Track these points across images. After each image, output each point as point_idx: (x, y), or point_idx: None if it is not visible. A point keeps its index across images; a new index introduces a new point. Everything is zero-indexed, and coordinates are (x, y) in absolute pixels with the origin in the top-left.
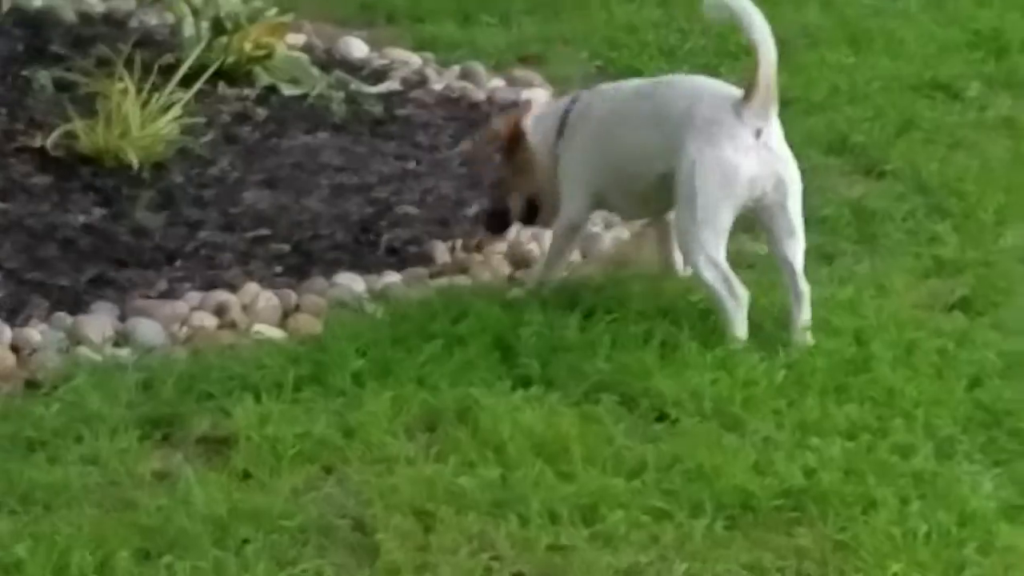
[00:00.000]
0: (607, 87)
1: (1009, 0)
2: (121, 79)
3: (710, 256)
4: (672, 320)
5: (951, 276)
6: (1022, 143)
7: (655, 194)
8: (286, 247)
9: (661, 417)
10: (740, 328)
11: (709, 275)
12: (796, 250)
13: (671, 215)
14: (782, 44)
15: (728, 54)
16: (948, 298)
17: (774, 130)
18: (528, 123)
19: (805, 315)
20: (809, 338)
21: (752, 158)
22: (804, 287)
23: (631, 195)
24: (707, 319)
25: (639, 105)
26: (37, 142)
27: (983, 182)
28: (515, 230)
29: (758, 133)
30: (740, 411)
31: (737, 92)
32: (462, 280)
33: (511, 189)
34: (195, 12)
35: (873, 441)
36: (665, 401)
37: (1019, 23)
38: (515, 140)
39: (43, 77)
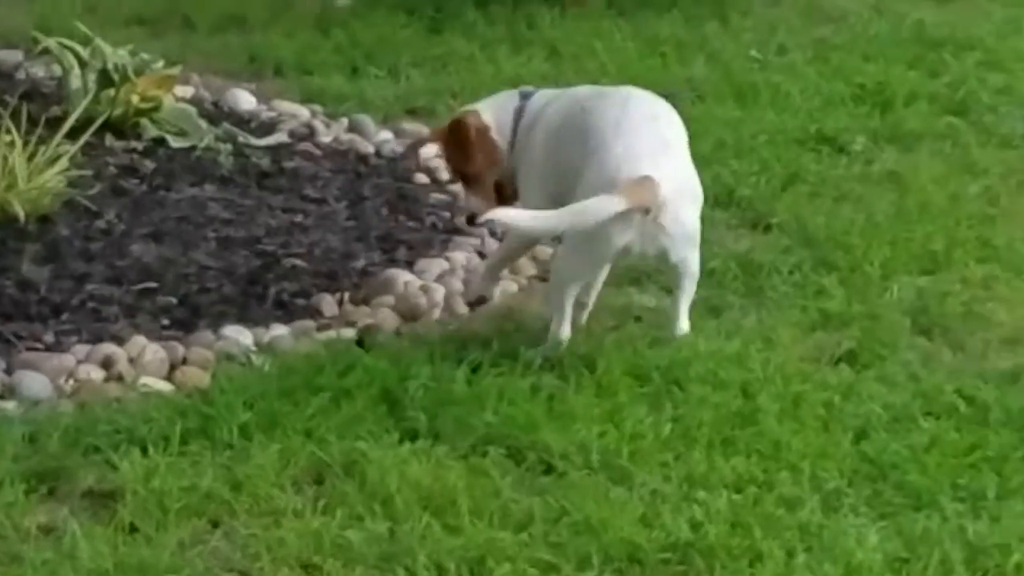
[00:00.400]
0: (563, 92)
1: (893, 55)
2: (8, 132)
3: (564, 294)
4: (559, 374)
5: (837, 329)
6: (907, 197)
7: None
8: (173, 300)
9: (548, 470)
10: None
11: (555, 316)
12: None
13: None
14: (668, 98)
15: None
16: (834, 351)
17: None
18: (487, 117)
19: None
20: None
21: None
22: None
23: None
24: (594, 372)
25: (581, 116)
26: None
27: (869, 235)
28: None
29: None
30: (627, 464)
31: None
32: (349, 333)
33: (485, 179)
34: (82, 64)
35: (759, 494)
36: (552, 454)
37: (904, 77)
38: (482, 134)
39: None
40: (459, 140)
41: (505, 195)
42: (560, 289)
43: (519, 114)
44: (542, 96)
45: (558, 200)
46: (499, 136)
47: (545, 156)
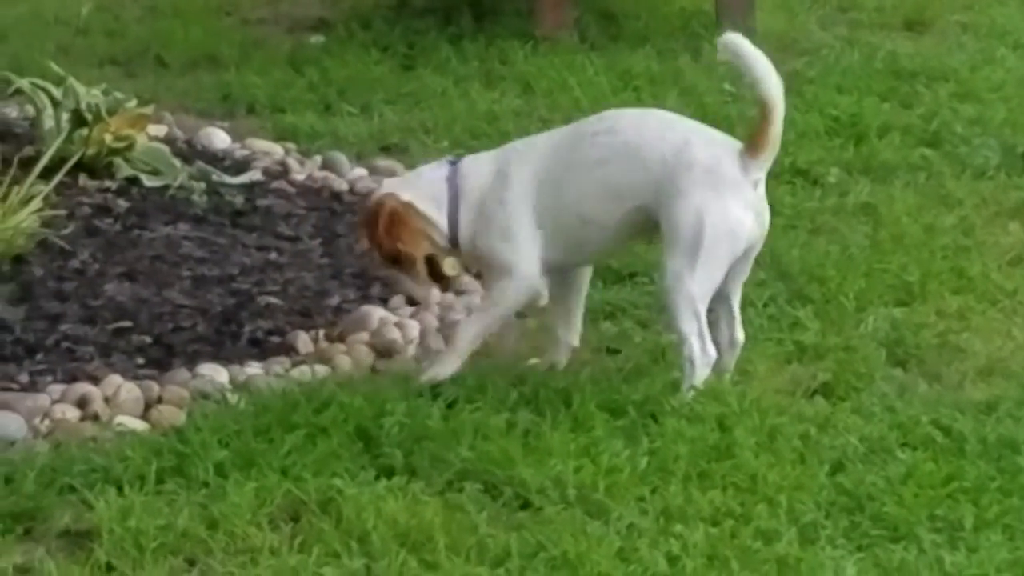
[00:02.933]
0: (523, 144)
1: (867, 87)
2: None
3: (698, 313)
4: (534, 408)
5: (813, 361)
6: (881, 229)
7: (622, 230)
8: (148, 339)
9: (525, 505)
10: (689, 385)
11: (692, 337)
12: (739, 296)
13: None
14: None
15: None
16: (810, 383)
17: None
18: (407, 195)
19: (730, 364)
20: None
21: (751, 213)
22: (740, 335)
23: (578, 242)
24: (570, 407)
25: (600, 142)
26: None
27: (843, 267)
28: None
29: (755, 184)
30: (604, 498)
31: (727, 140)
32: (324, 370)
33: (414, 260)
34: (55, 104)
35: (736, 527)
36: (529, 489)
37: (877, 109)
38: (404, 216)
39: None
40: (380, 225)
41: (437, 270)
42: (695, 307)
43: (453, 180)
44: (477, 159)
45: (564, 234)
46: (431, 209)
47: (538, 202)
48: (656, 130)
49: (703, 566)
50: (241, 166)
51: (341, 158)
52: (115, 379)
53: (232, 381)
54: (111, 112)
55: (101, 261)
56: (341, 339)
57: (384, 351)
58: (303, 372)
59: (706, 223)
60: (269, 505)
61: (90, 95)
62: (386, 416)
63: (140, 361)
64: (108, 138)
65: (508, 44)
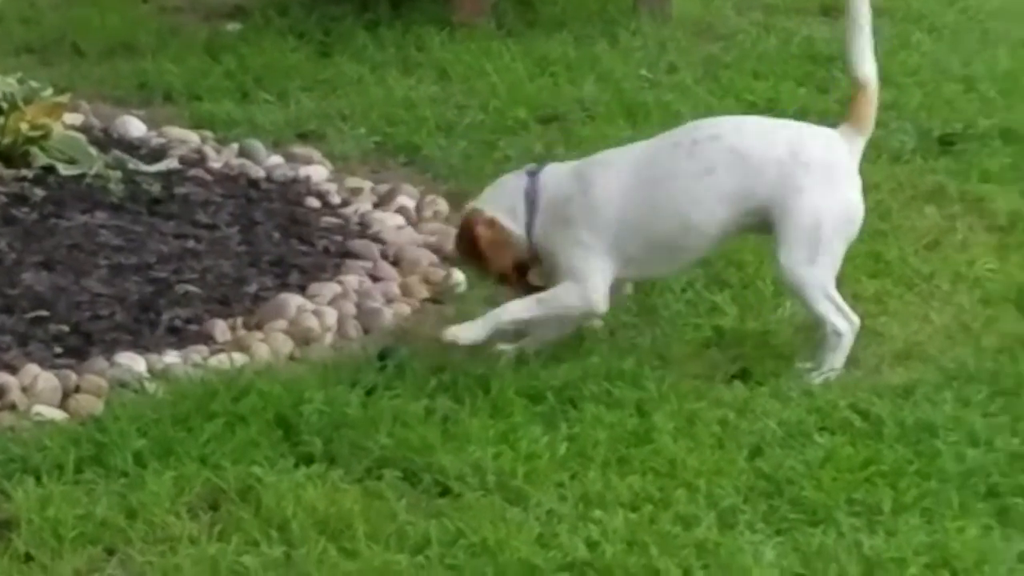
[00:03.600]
0: (606, 157)
1: (783, 72)
2: None
3: (830, 295)
4: (453, 395)
5: (731, 346)
6: None
7: (722, 235)
8: (65, 328)
9: (444, 492)
10: (842, 359)
11: (831, 314)
12: None
13: None
14: (560, 119)
15: (506, 129)
16: (728, 368)
17: None
18: (491, 211)
19: None
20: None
21: (861, 194)
22: None
23: (672, 252)
24: (488, 393)
25: (704, 151)
26: None
27: (761, 252)
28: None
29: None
30: (523, 484)
31: (826, 130)
32: (243, 358)
33: (510, 273)
34: None
35: (656, 512)
36: (448, 475)
37: (794, 94)
38: (489, 233)
39: None
40: (471, 248)
41: (527, 275)
42: (826, 291)
43: (531, 193)
44: (557, 169)
45: (658, 245)
46: (511, 222)
47: (625, 216)
48: (760, 133)
49: (622, 551)
50: (158, 154)
51: (258, 146)
52: (32, 368)
53: (150, 370)
54: (27, 101)
55: (18, 250)
56: (259, 327)
57: (302, 339)
58: (221, 360)
59: (826, 217)
60: (188, 494)
61: (5, 84)
62: (305, 404)
63: (58, 350)
64: (24, 127)
65: (425, 31)
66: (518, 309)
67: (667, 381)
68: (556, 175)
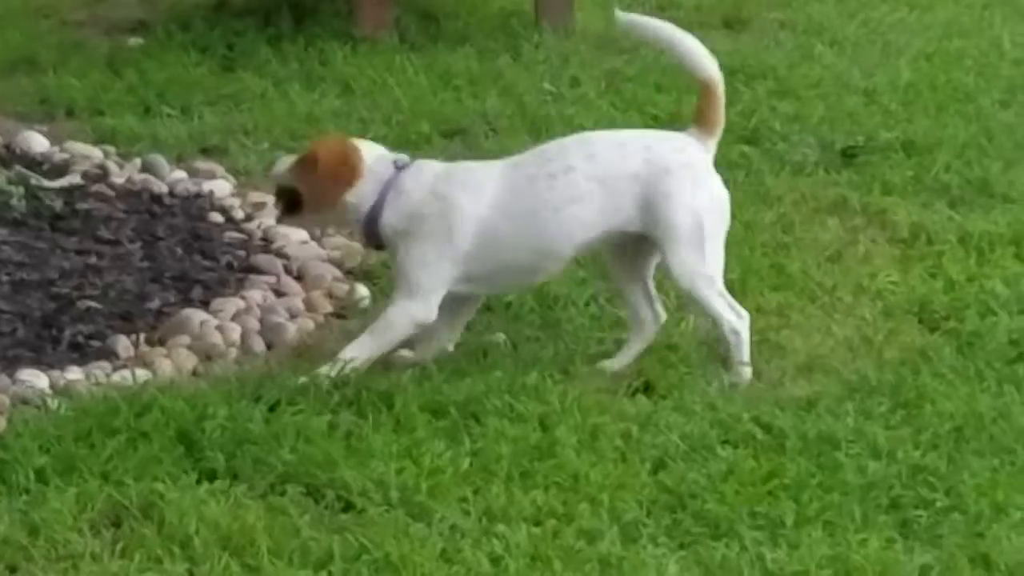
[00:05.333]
0: (468, 177)
1: (686, 85)
2: None
3: (721, 292)
4: (356, 410)
5: (634, 360)
6: None
7: (581, 253)
8: None
9: (347, 507)
10: (746, 353)
11: (726, 312)
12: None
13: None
14: (463, 133)
15: (410, 143)
16: (632, 382)
17: None
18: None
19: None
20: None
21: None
22: (663, 312)
23: (522, 274)
24: (392, 408)
25: (562, 183)
26: None
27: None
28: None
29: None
30: (426, 499)
31: (676, 135)
32: (145, 374)
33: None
34: None
35: (559, 526)
36: (351, 491)
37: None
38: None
39: None
40: (311, 162)
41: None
42: (716, 287)
43: (389, 188)
44: (421, 171)
45: (511, 267)
46: (358, 194)
47: (480, 241)
48: (611, 153)
49: (526, 566)
50: (60, 169)
51: (161, 161)
52: None
53: (52, 386)
54: None
55: None
56: (162, 343)
57: (205, 354)
58: (124, 376)
59: (702, 213)
60: (90, 511)
61: None
62: (208, 419)
63: None
64: None
65: (328, 45)
66: (360, 351)
67: (570, 395)
68: (419, 183)
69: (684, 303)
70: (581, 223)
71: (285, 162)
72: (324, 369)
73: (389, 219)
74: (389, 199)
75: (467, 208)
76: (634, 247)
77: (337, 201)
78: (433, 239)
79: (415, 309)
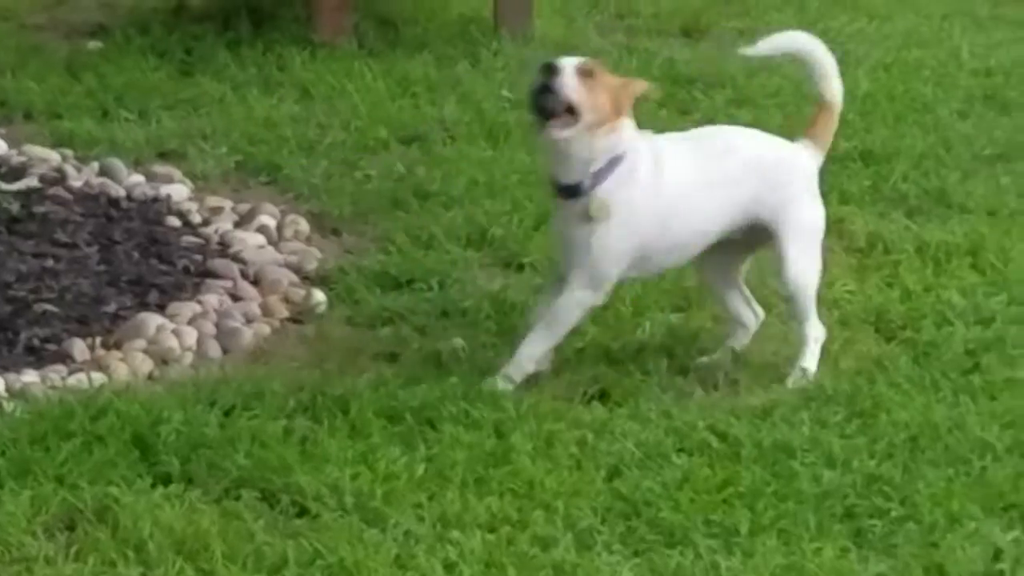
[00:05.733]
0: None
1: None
2: None
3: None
4: (312, 415)
5: (590, 367)
6: None
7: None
8: None
9: (302, 512)
10: (815, 361)
11: (815, 319)
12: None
13: None
14: (421, 139)
15: (368, 148)
16: (587, 389)
17: None
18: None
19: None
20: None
21: None
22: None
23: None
24: (347, 414)
25: (729, 162)
26: None
27: None
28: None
29: None
30: (381, 505)
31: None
32: (101, 378)
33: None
34: None
35: (513, 533)
36: (306, 496)
37: (654, 116)
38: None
39: None
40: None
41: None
42: (814, 291)
43: (622, 160)
44: (639, 155)
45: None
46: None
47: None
48: (760, 143)
49: (480, 573)
50: (18, 172)
51: (119, 164)
52: None
53: (8, 389)
54: None
55: None
56: (118, 346)
57: (161, 358)
58: (80, 380)
59: (819, 220)
60: (45, 514)
61: None
62: (163, 424)
63: None
64: None
65: (286, 50)
66: (537, 343)
67: (526, 402)
68: (637, 168)
69: (640, 309)
70: (734, 205)
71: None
72: (505, 371)
73: (610, 190)
74: (620, 170)
75: (667, 189)
76: (731, 250)
77: (615, 120)
78: (629, 227)
79: (592, 297)
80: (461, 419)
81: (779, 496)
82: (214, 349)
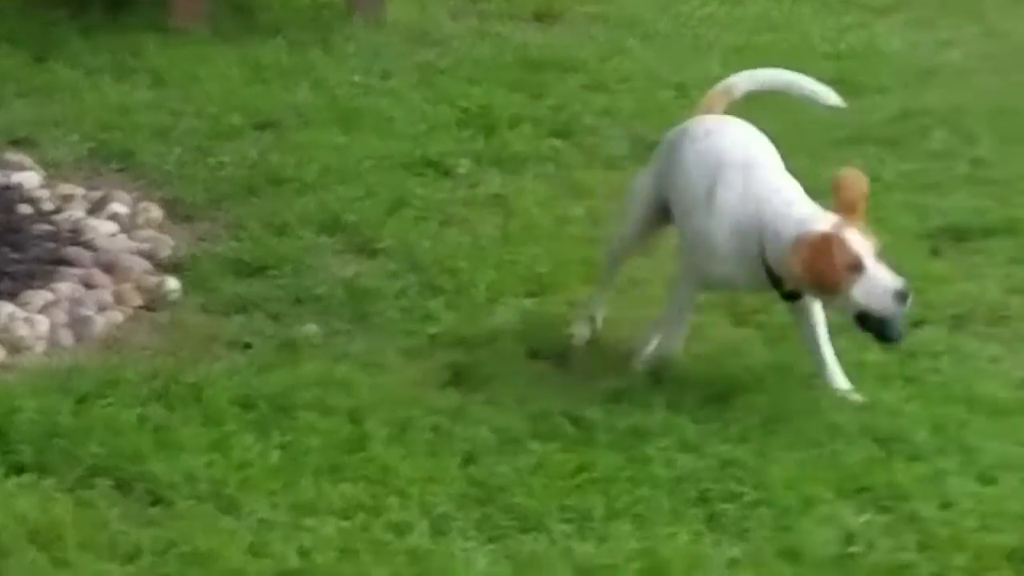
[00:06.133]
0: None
1: (497, 78)
2: None
3: None
4: (166, 403)
5: (445, 353)
6: (512, 220)
7: None
8: None
9: (156, 501)
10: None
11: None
12: None
13: None
14: (274, 125)
15: (221, 135)
16: (442, 375)
17: None
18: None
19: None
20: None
21: None
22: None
23: None
24: (201, 401)
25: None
26: None
27: (475, 259)
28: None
29: None
30: (235, 493)
31: None
32: None
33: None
34: None
35: (368, 520)
36: (160, 484)
37: (507, 100)
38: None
39: None
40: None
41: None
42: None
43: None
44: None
45: None
46: None
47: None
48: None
49: (334, 559)
50: None
51: None
52: None
53: None
54: None
55: None
56: None
57: (13, 347)
58: None
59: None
60: None
61: None
62: (16, 413)
63: None
64: None
65: (141, 36)
66: (672, 338)
67: (381, 388)
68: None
69: (494, 296)
70: None
71: None
72: (641, 365)
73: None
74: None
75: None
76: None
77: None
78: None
79: (696, 287)
80: (315, 406)
81: (633, 481)
82: (67, 338)
